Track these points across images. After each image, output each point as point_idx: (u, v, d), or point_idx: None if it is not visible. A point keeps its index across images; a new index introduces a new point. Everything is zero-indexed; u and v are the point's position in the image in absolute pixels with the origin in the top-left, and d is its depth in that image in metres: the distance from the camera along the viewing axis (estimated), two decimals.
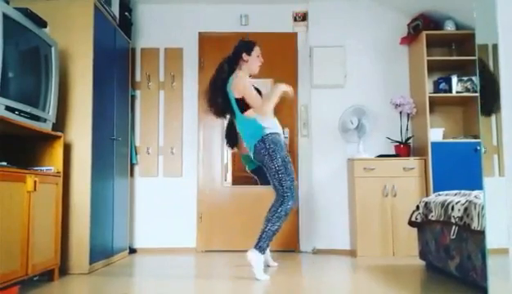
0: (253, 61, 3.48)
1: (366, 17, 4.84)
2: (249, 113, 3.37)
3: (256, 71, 3.54)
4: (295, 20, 4.95)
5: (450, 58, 4.53)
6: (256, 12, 4.93)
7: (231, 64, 3.48)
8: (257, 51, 3.50)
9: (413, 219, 3.54)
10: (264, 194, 4.65)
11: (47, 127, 3.09)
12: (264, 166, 3.40)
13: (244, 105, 3.36)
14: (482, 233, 2.46)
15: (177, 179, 4.80)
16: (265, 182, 3.64)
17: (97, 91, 3.58)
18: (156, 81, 4.88)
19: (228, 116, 3.63)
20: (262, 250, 3.21)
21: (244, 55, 3.46)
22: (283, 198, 3.28)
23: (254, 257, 3.17)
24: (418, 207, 3.52)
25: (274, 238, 3.29)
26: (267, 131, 3.32)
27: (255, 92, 3.38)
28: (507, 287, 2.00)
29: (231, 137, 3.73)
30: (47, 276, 3.10)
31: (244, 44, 3.52)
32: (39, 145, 3.19)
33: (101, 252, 3.67)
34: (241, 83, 3.35)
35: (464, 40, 4.49)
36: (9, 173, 2.57)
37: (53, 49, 3.16)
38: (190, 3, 4.92)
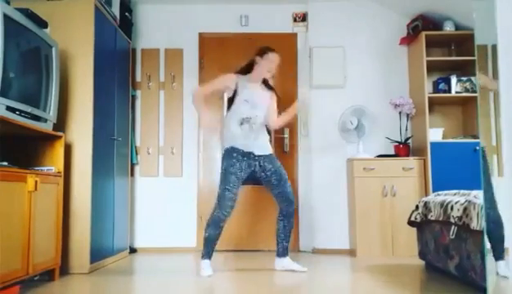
0: (262, 66, 3.44)
1: (365, 18, 4.85)
2: (228, 113, 3.47)
3: (260, 76, 3.46)
4: (295, 20, 4.96)
5: (449, 58, 4.54)
6: (256, 13, 4.94)
7: (245, 68, 3.51)
8: (269, 57, 3.44)
9: (412, 219, 3.55)
10: (264, 194, 4.66)
11: (47, 127, 3.09)
12: None
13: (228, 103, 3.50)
14: (481, 232, 2.47)
15: (178, 179, 4.81)
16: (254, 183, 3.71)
17: (98, 92, 3.59)
18: (156, 81, 4.89)
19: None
20: (202, 256, 3.35)
21: (257, 58, 3.46)
22: (215, 205, 3.36)
23: (201, 264, 3.34)
24: (417, 207, 3.53)
25: (212, 245, 3.35)
26: (226, 145, 3.40)
27: (214, 81, 3.49)
28: (506, 287, 2.01)
29: None
30: (47, 276, 3.11)
31: (262, 48, 3.50)
32: (40, 145, 3.20)
33: (101, 252, 3.67)
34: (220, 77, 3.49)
35: (463, 40, 4.50)
36: (10, 173, 2.58)
37: (54, 49, 3.17)
38: (191, 4, 4.93)
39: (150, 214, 4.75)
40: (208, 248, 3.34)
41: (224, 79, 3.46)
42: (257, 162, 3.41)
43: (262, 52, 3.46)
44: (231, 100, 3.46)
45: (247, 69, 3.50)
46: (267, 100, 3.51)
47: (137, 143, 4.81)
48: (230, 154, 3.35)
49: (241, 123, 3.37)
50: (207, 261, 3.34)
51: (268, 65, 3.43)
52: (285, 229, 3.48)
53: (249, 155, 3.38)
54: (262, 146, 3.45)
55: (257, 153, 3.40)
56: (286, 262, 3.49)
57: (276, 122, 3.56)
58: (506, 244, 2.50)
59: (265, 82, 3.53)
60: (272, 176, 3.41)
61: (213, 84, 3.50)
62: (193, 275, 3.50)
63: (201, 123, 3.43)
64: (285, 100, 4.91)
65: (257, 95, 3.44)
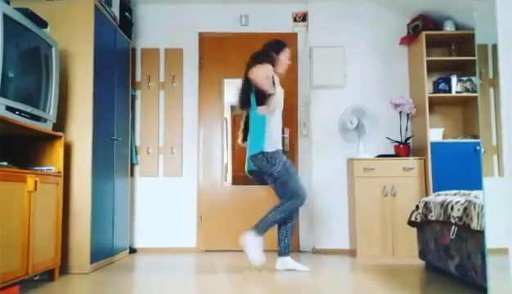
0: (281, 61, 3.43)
1: (365, 17, 4.84)
2: (260, 110, 3.36)
3: (282, 72, 3.50)
4: (295, 20, 4.96)
5: (449, 58, 4.53)
6: (256, 12, 4.94)
7: (259, 59, 3.37)
8: (286, 51, 3.45)
9: (413, 219, 3.54)
10: (264, 194, 4.66)
11: (47, 127, 3.09)
12: (263, 172, 3.42)
13: (259, 98, 3.35)
14: (481, 232, 2.47)
15: (177, 179, 4.81)
16: (262, 183, 3.67)
17: (98, 92, 3.59)
18: (156, 81, 4.88)
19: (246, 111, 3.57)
20: (258, 232, 3.30)
21: (274, 54, 3.44)
22: (291, 198, 3.35)
23: (251, 240, 3.28)
24: (417, 207, 3.53)
25: (270, 228, 3.37)
26: (272, 149, 3.34)
27: (266, 79, 3.26)
28: (507, 287, 2.01)
29: (246, 132, 3.63)
30: (47, 276, 3.11)
31: (275, 43, 3.48)
32: (40, 145, 3.19)
33: (101, 252, 3.67)
34: (261, 69, 3.25)
35: (463, 40, 4.49)
36: (10, 173, 2.57)
37: (53, 49, 3.16)
38: (191, 4, 4.92)
39: (150, 214, 4.75)
40: (267, 230, 3.36)
41: (268, 71, 3.30)
42: None
43: (281, 47, 3.42)
44: (258, 93, 3.32)
45: (263, 60, 3.36)
46: None
47: (137, 143, 4.81)
48: (278, 153, 3.37)
49: (283, 132, 3.52)
50: (259, 241, 3.35)
51: (285, 61, 3.45)
52: (287, 226, 3.53)
53: None
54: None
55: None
56: (287, 262, 3.51)
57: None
58: (506, 244, 2.49)
59: None
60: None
61: (267, 81, 3.29)
62: (193, 275, 3.51)
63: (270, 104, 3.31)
64: (285, 99, 4.92)
65: (280, 97, 3.46)
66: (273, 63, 3.42)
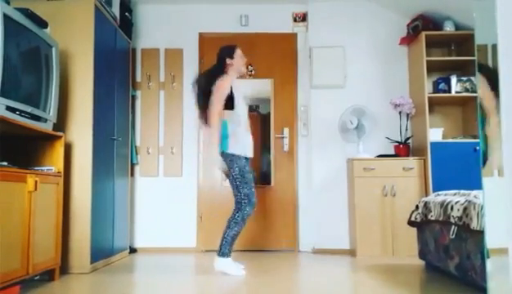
0: (238, 62, 3.54)
1: (365, 17, 4.85)
2: (224, 115, 3.44)
3: (244, 70, 3.63)
4: (295, 20, 4.96)
5: (449, 58, 4.53)
6: (256, 13, 4.94)
7: (218, 72, 3.49)
8: (238, 52, 3.56)
9: (412, 219, 3.55)
10: (264, 194, 4.67)
11: (47, 127, 3.09)
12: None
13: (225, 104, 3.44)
14: (481, 232, 2.47)
15: (177, 179, 4.81)
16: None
17: (98, 92, 3.59)
18: (156, 81, 4.88)
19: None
20: (224, 255, 3.36)
21: (228, 60, 3.51)
22: (240, 205, 3.39)
23: (221, 264, 3.35)
24: (417, 207, 3.53)
25: (234, 242, 3.40)
26: (236, 152, 3.39)
27: (223, 97, 3.39)
28: (506, 287, 2.01)
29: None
30: (47, 276, 3.11)
31: (225, 49, 3.58)
32: (40, 145, 3.20)
33: (101, 252, 3.67)
34: (220, 83, 3.40)
35: (463, 40, 4.50)
36: (10, 173, 2.57)
37: (54, 49, 3.17)
38: (191, 4, 4.93)
39: (150, 214, 4.75)
40: (233, 245, 3.40)
41: (227, 86, 3.43)
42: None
43: (230, 52, 3.53)
44: (227, 103, 3.43)
45: (222, 71, 3.51)
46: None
47: (137, 143, 4.81)
48: (240, 157, 3.41)
49: (247, 130, 3.49)
50: (230, 259, 3.39)
51: (241, 59, 3.56)
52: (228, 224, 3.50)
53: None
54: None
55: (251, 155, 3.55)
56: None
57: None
58: (506, 244, 2.50)
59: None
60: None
61: (222, 96, 3.40)
62: (193, 275, 3.51)
63: (213, 140, 3.41)
64: (285, 100, 4.93)
65: (242, 91, 3.57)
66: (229, 68, 3.52)
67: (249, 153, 3.50)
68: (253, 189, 3.42)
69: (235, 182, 3.40)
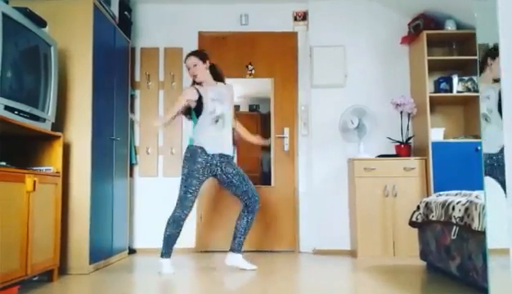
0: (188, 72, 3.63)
1: (366, 17, 4.83)
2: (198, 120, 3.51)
3: (194, 80, 3.61)
4: (295, 19, 4.94)
5: (450, 58, 4.52)
6: (256, 12, 4.92)
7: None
8: (186, 63, 3.60)
9: (414, 219, 3.53)
10: (264, 194, 4.65)
11: (46, 127, 3.08)
12: None
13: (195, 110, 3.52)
14: (482, 233, 2.45)
15: (177, 179, 4.74)
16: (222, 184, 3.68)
17: (97, 91, 3.57)
18: (156, 80, 4.87)
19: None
20: (162, 255, 3.40)
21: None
22: (176, 205, 3.44)
23: (162, 263, 3.39)
24: (418, 208, 3.51)
25: (169, 244, 3.41)
26: (195, 143, 3.45)
27: (178, 103, 3.46)
28: (508, 288, 1.99)
29: None
30: (46, 276, 3.10)
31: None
32: (39, 145, 3.18)
33: (100, 252, 3.66)
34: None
35: (464, 39, 4.48)
36: (8, 173, 2.56)
37: (52, 49, 3.15)
38: (190, 3, 4.91)
39: (150, 214, 4.73)
40: (170, 247, 3.41)
41: (185, 94, 3.50)
42: (218, 168, 3.50)
43: (185, 60, 3.63)
44: (197, 111, 3.50)
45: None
46: (229, 96, 3.62)
47: (137, 143, 4.80)
48: (195, 159, 3.41)
49: (216, 120, 3.48)
50: (168, 260, 3.40)
51: (188, 73, 3.61)
52: (248, 224, 3.55)
53: (213, 159, 3.46)
54: (230, 147, 3.56)
55: (226, 152, 3.51)
56: (239, 259, 3.54)
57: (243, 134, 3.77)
58: (508, 245, 2.48)
59: (220, 78, 3.66)
60: (234, 178, 3.52)
61: (178, 104, 3.47)
62: (193, 275, 3.50)
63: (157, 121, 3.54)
64: (286, 99, 4.92)
65: (219, 92, 3.56)
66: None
67: (210, 149, 3.44)
68: (187, 194, 3.39)
69: (181, 181, 3.43)
